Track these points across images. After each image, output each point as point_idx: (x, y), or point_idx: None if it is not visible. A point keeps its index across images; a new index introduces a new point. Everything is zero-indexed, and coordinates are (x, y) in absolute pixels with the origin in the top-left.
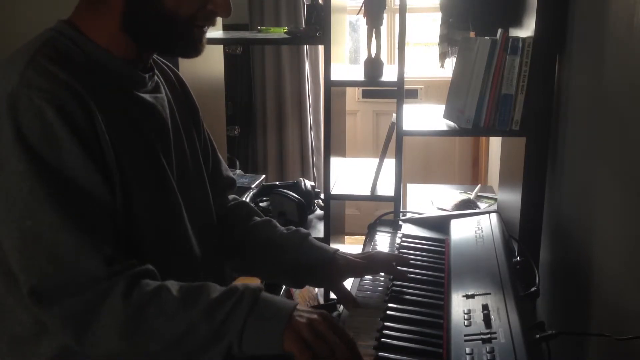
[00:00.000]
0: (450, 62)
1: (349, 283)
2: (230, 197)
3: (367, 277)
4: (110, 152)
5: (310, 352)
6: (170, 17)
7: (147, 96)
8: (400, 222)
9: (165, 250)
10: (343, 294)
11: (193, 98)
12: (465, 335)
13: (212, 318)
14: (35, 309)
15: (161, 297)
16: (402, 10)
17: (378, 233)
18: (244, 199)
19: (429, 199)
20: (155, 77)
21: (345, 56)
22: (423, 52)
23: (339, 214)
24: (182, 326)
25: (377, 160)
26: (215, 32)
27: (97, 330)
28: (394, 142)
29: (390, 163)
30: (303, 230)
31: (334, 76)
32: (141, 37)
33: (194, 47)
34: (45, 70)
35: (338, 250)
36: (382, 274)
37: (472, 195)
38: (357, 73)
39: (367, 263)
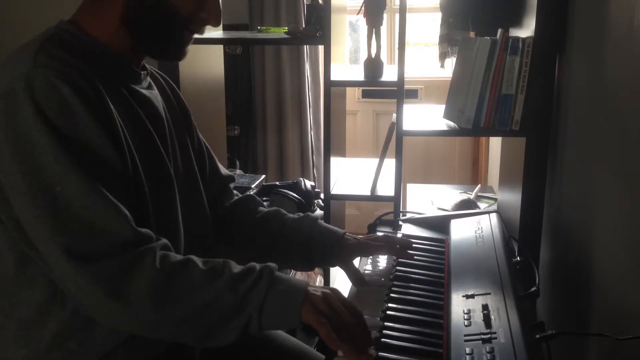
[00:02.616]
0: (450, 62)
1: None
2: (235, 192)
3: (369, 262)
4: (119, 130)
5: (327, 323)
6: (170, 13)
7: (142, 90)
8: (400, 222)
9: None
10: (352, 272)
11: (184, 102)
12: (465, 335)
13: (235, 291)
14: (71, 269)
15: (188, 268)
16: (402, 10)
17: (378, 233)
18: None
19: (429, 199)
20: (148, 78)
21: (345, 56)
22: (423, 52)
23: (339, 214)
24: (207, 297)
25: (377, 160)
26: (215, 32)
27: (128, 294)
28: (394, 142)
29: (390, 163)
30: (312, 214)
31: (334, 76)
32: (140, 30)
33: (181, 51)
34: (55, 55)
35: (346, 231)
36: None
37: (472, 195)
38: (357, 73)
39: (375, 243)
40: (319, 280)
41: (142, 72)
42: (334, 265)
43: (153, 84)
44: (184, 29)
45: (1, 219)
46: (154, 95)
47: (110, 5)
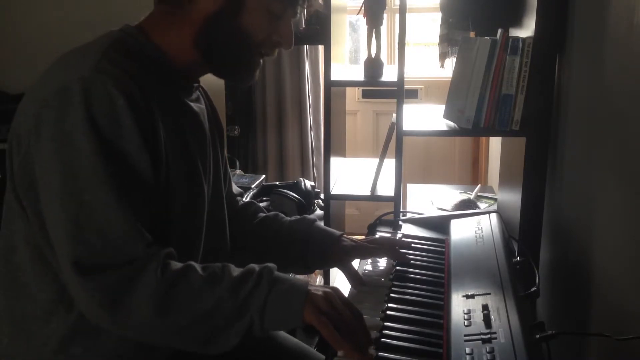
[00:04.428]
0: (450, 62)
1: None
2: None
3: (369, 263)
4: (162, 147)
5: (329, 322)
6: (244, 39)
7: (193, 105)
8: (400, 222)
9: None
10: (351, 273)
11: (220, 119)
12: (465, 335)
13: (235, 295)
14: (75, 279)
15: (189, 276)
16: (402, 10)
17: (378, 233)
18: (244, 199)
19: (429, 199)
20: (197, 91)
21: (345, 56)
22: (423, 52)
23: (339, 214)
24: (209, 303)
25: (377, 160)
26: None
27: (131, 304)
28: (394, 142)
29: (390, 163)
30: (310, 216)
31: (334, 76)
32: (212, 52)
33: (251, 74)
34: (117, 63)
35: (343, 233)
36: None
37: (472, 195)
38: (357, 73)
39: (373, 245)
40: (319, 280)
41: (194, 85)
42: (331, 267)
43: (201, 98)
44: (257, 52)
45: (26, 212)
46: (202, 110)
47: (185, 23)
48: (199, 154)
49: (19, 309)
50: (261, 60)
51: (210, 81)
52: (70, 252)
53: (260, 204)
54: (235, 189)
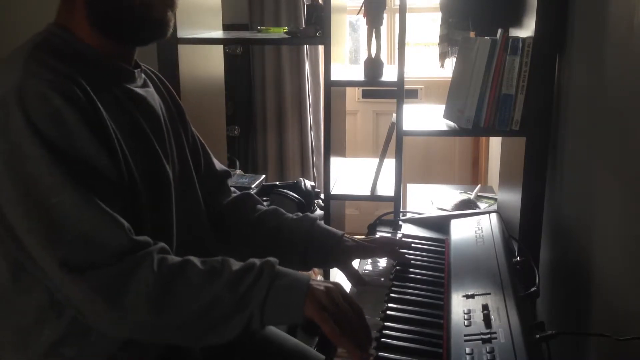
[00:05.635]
0: (450, 62)
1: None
2: (232, 189)
3: (369, 263)
4: (113, 137)
5: (330, 318)
6: (125, 3)
7: (137, 89)
8: (400, 222)
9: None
10: (351, 273)
11: (177, 100)
12: (465, 335)
13: (235, 289)
14: (67, 279)
15: (187, 270)
16: (402, 10)
17: (378, 233)
18: None
19: (429, 199)
20: (143, 75)
21: (345, 56)
22: (423, 52)
23: (339, 214)
24: (208, 298)
25: (377, 160)
26: (215, 32)
27: (128, 301)
28: (394, 142)
29: (390, 163)
30: (311, 214)
31: (334, 76)
32: (107, 29)
33: (159, 29)
34: (45, 63)
35: (345, 233)
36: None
37: (472, 195)
38: (357, 73)
39: (374, 245)
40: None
41: (136, 70)
42: (331, 267)
43: (148, 81)
44: (151, 9)
45: None
46: (150, 93)
47: (77, 10)
48: (155, 137)
49: (13, 321)
50: (164, 12)
51: (210, 81)
52: (54, 255)
53: None
54: (219, 165)
